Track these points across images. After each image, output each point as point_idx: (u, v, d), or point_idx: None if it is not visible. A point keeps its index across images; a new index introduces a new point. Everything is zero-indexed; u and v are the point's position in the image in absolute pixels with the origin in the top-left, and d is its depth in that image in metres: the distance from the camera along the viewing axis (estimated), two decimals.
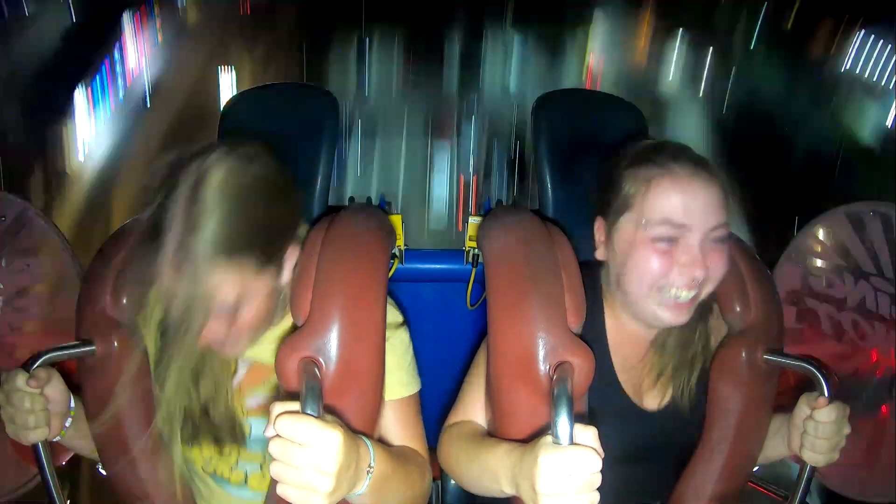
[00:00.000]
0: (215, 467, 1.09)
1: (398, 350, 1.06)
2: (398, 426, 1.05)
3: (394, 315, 1.08)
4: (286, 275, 0.99)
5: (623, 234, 1.05)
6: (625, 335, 1.14)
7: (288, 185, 0.96)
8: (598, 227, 1.11)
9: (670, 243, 1.00)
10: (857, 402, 1.15)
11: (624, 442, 1.05)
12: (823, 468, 1.06)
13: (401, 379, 1.06)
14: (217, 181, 0.86)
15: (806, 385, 1.06)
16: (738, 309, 1.12)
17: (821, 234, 1.37)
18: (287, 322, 1.08)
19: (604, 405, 1.05)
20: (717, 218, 1.00)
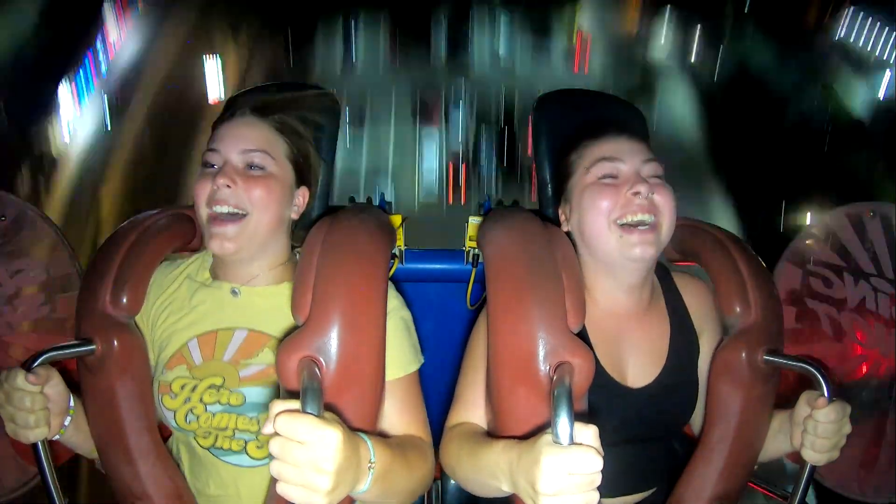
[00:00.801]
0: (214, 440, 1.09)
1: (392, 331, 1.05)
2: (397, 408, 1.05)
3: (391, 300, 1.09)
4: (295, 209, 1.17)
5: (575, 191, 1.16)
6: (601, 312, 1.14)
7: (317, 149, 1.22)
8: (560, 212, 1.21)
9: (612, 178, 1.11)
10: (856, 402, 1.15)
11: (610, 420, 1.07)
12: (823, 468, 1.06)
13: (395, 359, 1.05)
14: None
15: (806, 386, 1.06)
16: (738, 309, 1.12)
17: (821, 234, 1.37)
18: (282, 289, 1.14)
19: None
20: (645, 153, 1.13)
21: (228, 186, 1.06)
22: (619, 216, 1.08)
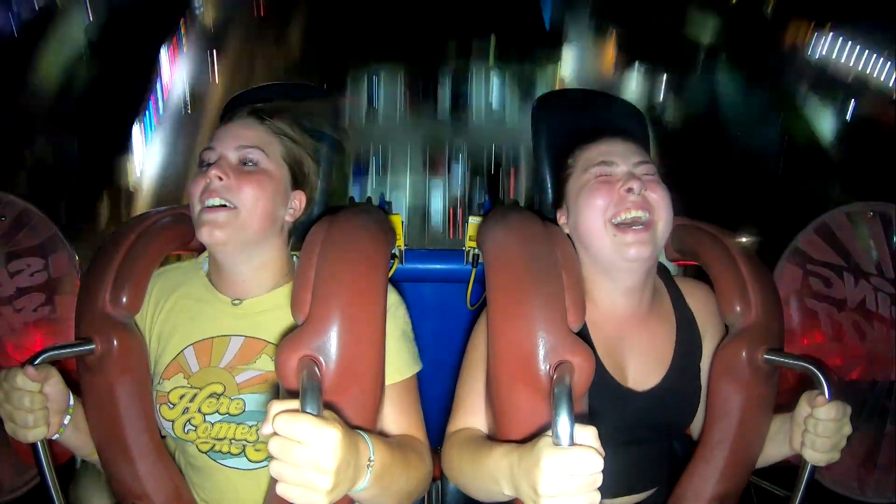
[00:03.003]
0: (212, 446, 1.09)
1: (391, 335, 1.06)
2: (395, 411, 1.06)
3: (390, 298, 1.09)
4: (290, 213, 1.16)
5: (573, 191, 1.17)
6: (602, 314, 1.14)
7: (315, 156, 1.22)
8: (559, 215, 1.22)
9: (607, 177, 1.13)
10: (856, 402, 1.15)
11: (611, 421, 1.06)
12: (823, 467, 1.06)
13: (393, 363, 1.06)
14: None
15: (806, 385, 1.06)
16: (738, 309, 1.12)
17: (821, 234, 1.37)
18: (282, 293, 1.13)
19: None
20: (639, 155, 1.15)
21: (220, 179, 1.06)
22: (613, 214, 1.09)
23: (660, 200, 1.10)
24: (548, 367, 0.93)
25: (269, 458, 0.76)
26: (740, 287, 1.12)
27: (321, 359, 0.90)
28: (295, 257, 1.19)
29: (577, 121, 1.46)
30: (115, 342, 1.05)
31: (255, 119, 1.14)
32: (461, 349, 1.15)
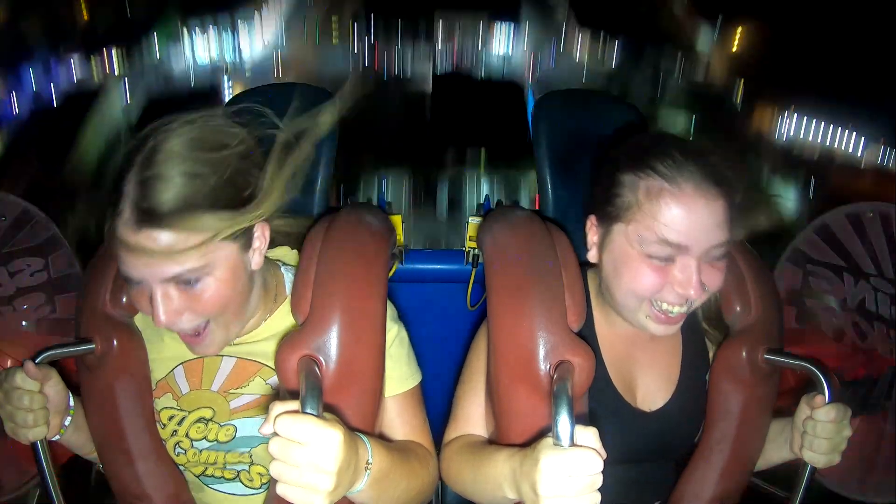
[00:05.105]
0: (203, 470, 1.08)
1: (395, 345, 1.06)
2: (400, 421, 1.05)
3: (389, 311, 1.07)
4: (257, 258, 0.98)
5: (617, 244, 1.01)
6: (615, 334, 1.12)
7: (252, 157, 0.93)
8: (591, 226, 1.07)
9: (666, 262, 0.96)
10: (856, 403, 1.15)
11: (619, 442, 1.03)
12: (823, 468, 1.06)
13: (400, 374, 1.06)
14: (173, 143, 0.86)
15: (806, 385, 1.06)
16: (738, 309, 1.11)
17: (821, 234, 1.37)
18: (275, 321, 1.08)
19: (597, 404, 1.04)
20: (717, 237, 0.95)
21: (173, 319, 0.91)
22: (655, 297, 0.99)
23: (713, 286, 0.97)
24: (548, 366, 0.93)
25: (270, 458, 0.76)
26: (740, 287, 1.12)
27: (321, 358, 0.91)
28: (285, 270, 1.13)
29: (577, 122, 1.46)
30: (116, 342, 1.05)
31: (158, 229, 0.84)
32: (461, 349, 1.15)
